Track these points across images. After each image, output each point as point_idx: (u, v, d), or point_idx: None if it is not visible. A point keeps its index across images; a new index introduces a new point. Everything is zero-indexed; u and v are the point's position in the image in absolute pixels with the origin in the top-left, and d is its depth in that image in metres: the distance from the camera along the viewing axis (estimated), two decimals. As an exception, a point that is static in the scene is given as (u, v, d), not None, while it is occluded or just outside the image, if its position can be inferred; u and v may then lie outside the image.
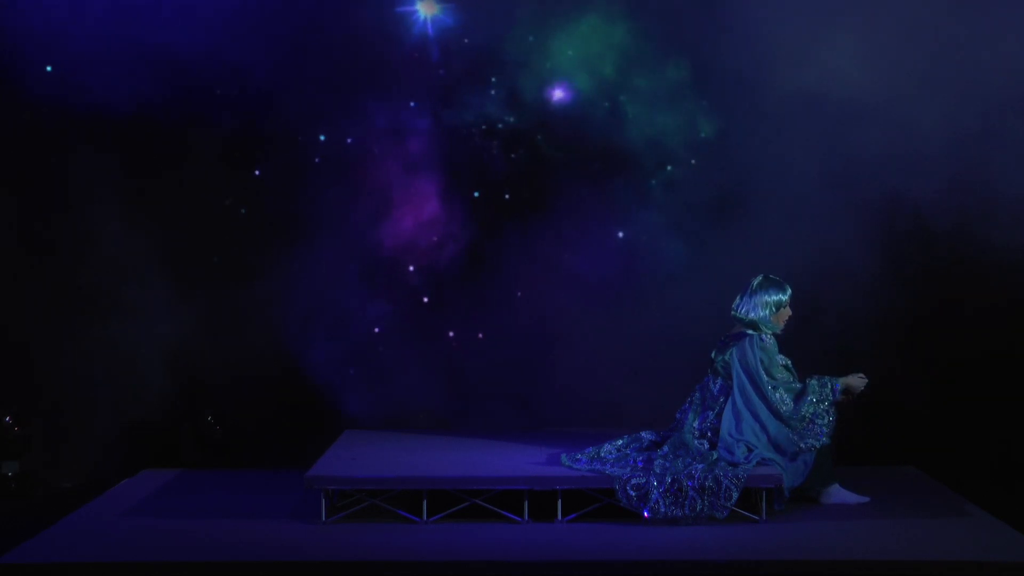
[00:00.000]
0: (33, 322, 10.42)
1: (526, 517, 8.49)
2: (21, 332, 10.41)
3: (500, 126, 10.55)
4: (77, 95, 10.11)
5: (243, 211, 10.57)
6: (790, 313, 8.99)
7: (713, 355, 9.02)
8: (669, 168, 10.54)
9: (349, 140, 10.51)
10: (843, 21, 9.95)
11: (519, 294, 10.59)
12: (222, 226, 10.58)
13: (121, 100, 10.13)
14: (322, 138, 10.54)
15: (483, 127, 10.54)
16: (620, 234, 10.59)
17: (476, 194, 10.65)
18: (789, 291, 8.98)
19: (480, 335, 10.62)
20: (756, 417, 8.76)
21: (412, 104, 10.49)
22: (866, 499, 8.89)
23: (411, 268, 10.59)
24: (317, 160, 10.53)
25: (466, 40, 10.38)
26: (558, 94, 10.38)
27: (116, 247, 10.40)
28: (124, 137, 10.34)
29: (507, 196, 10.65)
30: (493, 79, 10.46)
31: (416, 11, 10.32)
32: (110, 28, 10.11)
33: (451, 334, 10.63)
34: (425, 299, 10.65)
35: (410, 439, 9.79)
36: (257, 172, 10.55)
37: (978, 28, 9.87)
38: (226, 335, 10.52)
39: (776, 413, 8.73)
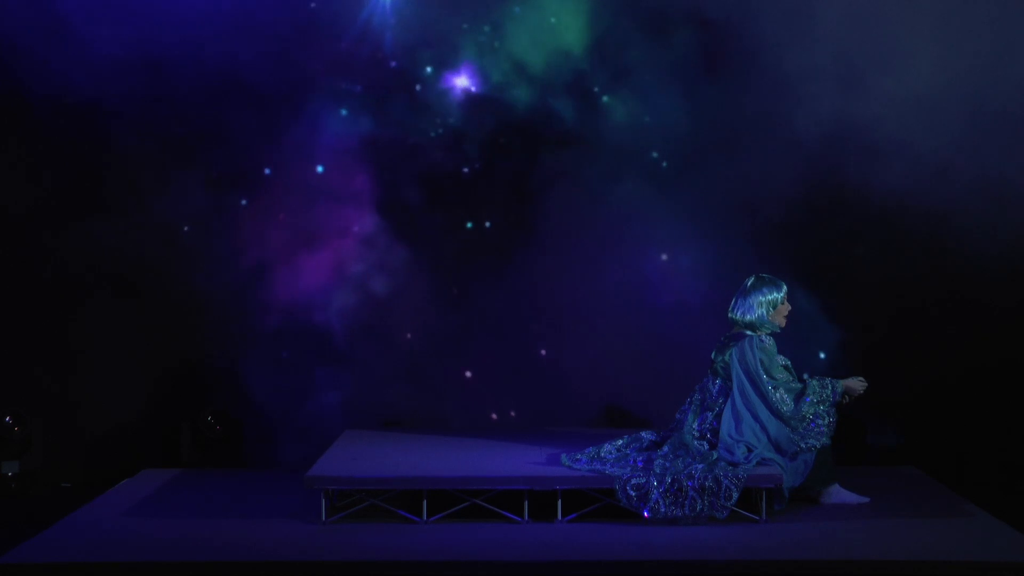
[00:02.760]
0: (34, 323, 10.43)
1: (526, 517, 8.48)
2: (21, 333, 10.41)
3: (458, 129, 10.51)
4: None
5: (244, 202, 10.58)
6: (789, 308, 8.96)
7: (713, 356, 9.01)
8: (664, 165, 10.53)
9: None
10: (852, 15, 9.95)
11: (519, 296, 10.61)
12: (222, 225, 10.61)
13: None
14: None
15: (440, 131, 10.50)
16: (619, 234, 10.60)
17: (470, 222, 10.65)
18: (784, 287, 8.95)
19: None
20: (756, 418, 8.75)
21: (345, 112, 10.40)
22: (866, 499, 8.88)
23: (410, 268, 10.60)
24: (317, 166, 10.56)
25: (430, 29, 10.21)
26: (479, 86, 10.24)
27: (112, 250, 10.44)
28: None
29: (494, 214, 10.67)
30: (451, 74, 10.40)
31: None
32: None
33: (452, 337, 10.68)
34: (425, 299, 10.67)
35: (410, 439, 9.78)
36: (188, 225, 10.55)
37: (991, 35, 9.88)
38: (225, 334, 10.53)
39: (776, 413, 8.72)
